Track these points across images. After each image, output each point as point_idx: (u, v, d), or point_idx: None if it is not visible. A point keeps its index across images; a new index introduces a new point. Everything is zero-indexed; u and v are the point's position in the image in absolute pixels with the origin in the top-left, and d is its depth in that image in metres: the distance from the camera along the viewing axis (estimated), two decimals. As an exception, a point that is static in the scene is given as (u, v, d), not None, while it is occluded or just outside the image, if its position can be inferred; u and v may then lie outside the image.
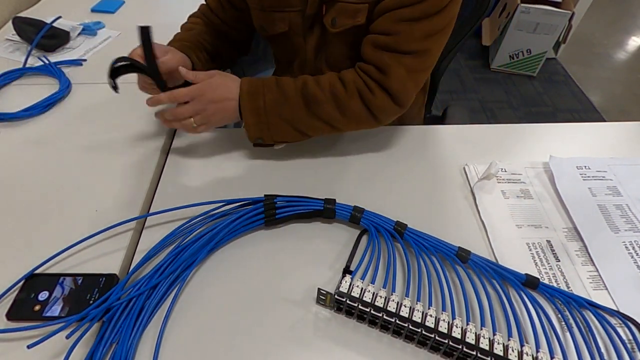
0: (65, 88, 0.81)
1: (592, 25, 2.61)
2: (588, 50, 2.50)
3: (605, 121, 1.94)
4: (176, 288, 0.50)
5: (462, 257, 0.52)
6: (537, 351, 0.44)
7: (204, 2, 0.74)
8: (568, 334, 0.47)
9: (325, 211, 0.56)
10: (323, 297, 0.48)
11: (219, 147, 0.70)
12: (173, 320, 0.48)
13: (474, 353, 0.42)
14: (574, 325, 0.48)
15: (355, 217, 0.56)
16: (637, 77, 2.30)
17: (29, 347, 0.42)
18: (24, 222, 0.58)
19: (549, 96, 2.14)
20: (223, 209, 0.58)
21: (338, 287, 0.47)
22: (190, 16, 0.74)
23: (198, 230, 0.56)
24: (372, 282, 0.50)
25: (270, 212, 0.55)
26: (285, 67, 0.73)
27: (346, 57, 0.65)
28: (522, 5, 1.96)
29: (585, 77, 2.27)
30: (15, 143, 0.70)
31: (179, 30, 0.72)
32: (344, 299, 0.46)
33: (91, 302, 0.47)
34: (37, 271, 0.51)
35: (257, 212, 0.56)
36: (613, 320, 0.48)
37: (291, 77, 0.59)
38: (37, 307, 0.47)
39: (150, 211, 0.59)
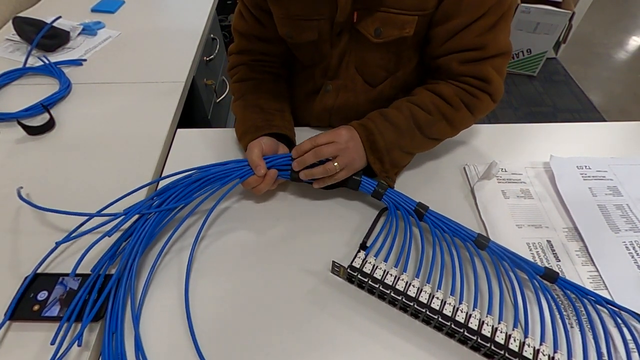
0: (65, 88, 0.81)
1: (592, 25, 2.61)
2: (588, 50, 2.50)
3: (605, 121, 1.94)
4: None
5: (480, 243, 0.52)
6: (555, 343, 0.44)
7: (234, 53, 0.70)
8: (588, 329, 0.47)
9: (349, 181, 0.57)
10: (337, 269, 0.51)
11: (219, 147, 0.70)
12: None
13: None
14: (595, 321, 0.47)
15: (378, 192, 0.56)
16: (637, 77, 2.30)
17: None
18: (24, 221, 0.58)
19: (549, 96, 2.14)
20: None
21: (352, 262, 0.50)
22: (235, 81, 0.69)
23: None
24: (385, 260, 0.51)
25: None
26: (306, 70, 0.70)
27: (379, 66, 0.64)
28: (522, 5, 1.96)
29: (585, 77, 2.27)
30: (15, 143, 0.70)
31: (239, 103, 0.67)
32: (356, 274, 0.49)
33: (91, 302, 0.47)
34: (38, 271, 0.51)
35: (285, 163, 0.57)
36: (634, 322, 0.48)
37: (391, 109, 0.59)
38: (36, 307, 0.47)
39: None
